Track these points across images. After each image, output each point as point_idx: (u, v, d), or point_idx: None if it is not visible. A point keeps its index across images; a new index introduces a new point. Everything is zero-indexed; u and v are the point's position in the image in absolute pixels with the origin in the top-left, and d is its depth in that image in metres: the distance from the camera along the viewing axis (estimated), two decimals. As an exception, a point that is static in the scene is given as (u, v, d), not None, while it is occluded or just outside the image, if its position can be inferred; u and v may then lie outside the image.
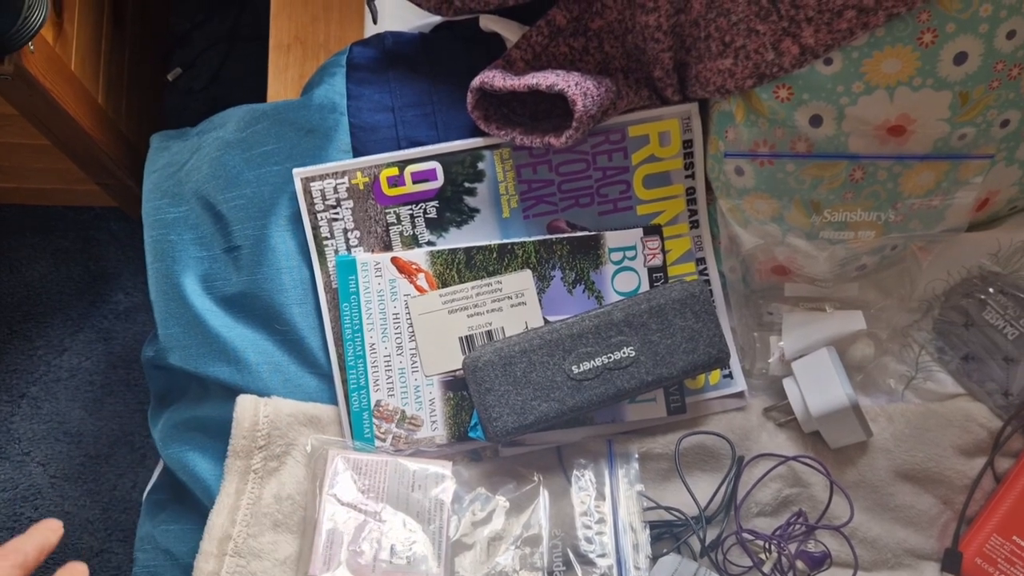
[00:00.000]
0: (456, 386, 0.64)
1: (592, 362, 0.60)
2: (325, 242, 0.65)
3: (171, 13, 1.18)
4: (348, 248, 0.65)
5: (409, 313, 0.63)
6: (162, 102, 1.16)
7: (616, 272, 0.65)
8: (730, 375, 0.67)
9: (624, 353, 0.60)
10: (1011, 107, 0.60)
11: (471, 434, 0.63)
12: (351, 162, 0.65)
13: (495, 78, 0.61)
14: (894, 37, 0.56)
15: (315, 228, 0.65)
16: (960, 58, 0.57)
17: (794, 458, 0.66)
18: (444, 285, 0.64)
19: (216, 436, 0.64)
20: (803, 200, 0.63)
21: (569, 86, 0.58)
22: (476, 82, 0.62)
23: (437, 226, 0.66)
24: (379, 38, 0.69)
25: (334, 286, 0.65)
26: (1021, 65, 0.58)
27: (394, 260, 0.64)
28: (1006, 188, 0.67)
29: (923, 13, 0.56)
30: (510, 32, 0.66)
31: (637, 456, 0.64)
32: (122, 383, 1.09)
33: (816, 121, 0.60)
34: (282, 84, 0.85)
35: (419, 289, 0.63)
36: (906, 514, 0.69)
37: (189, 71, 1.15)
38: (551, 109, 0.62)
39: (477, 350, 0.61)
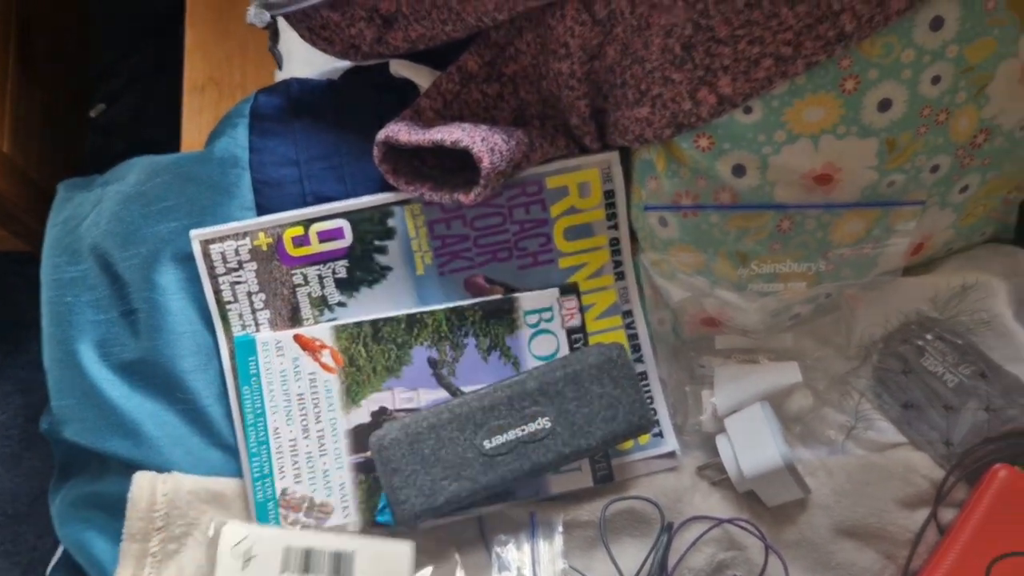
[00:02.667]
0: (368, 468, 0.60)
1: (505, 436, 0.57)
2: (228, 306, 0.61)
3: (91, 47, 1.13)
4: (253, 311, 0.61)
5: (316, 395, 0.59)
6: (85, 140, 1.11)
7: (533, 336, 0.62)
8: (660, 434, 0.64)
9: (539, 425, 0.57)
10: (940, 152, 0.58)
11: (379, 519, 0.59)
12: (252, 222, 0.61)
13: (400, 132, 0.58)
14: (815, 85, 0.54)
15: (216, 292, 0.61)
16: (884, 105, 0.55)
17: (728, 521, 0.62)
18: (351, 361, 0.60)
19: (116, 515, 0.60)
20: (729, 252, 0.60)
21: (475, 142, 0.55)
22: (381, 136, 0.59)
23: (347, 286, 0.62)
24: (285, 85, 0.65)
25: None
26: (947, 110, 0.56)
27: (297, 338, 0.60)
28: (941, 232, 0.65)
29: (844, 60, 0.53)
30: (421, 78, 0.63)
31: (561, 529, 0.60)
32: (41, 438, 1.03)
33: (739, 171, 0.57)
34: (196, 128, 0.81)
35: (324, 367, 0.59)
36: (848, 572, 0.66)
37: (114, 106, 1.11)
38: (463, 161, 0.59)
39: (384, 428, 0.57)
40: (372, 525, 0.60)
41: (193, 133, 0.80)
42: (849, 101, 0.54)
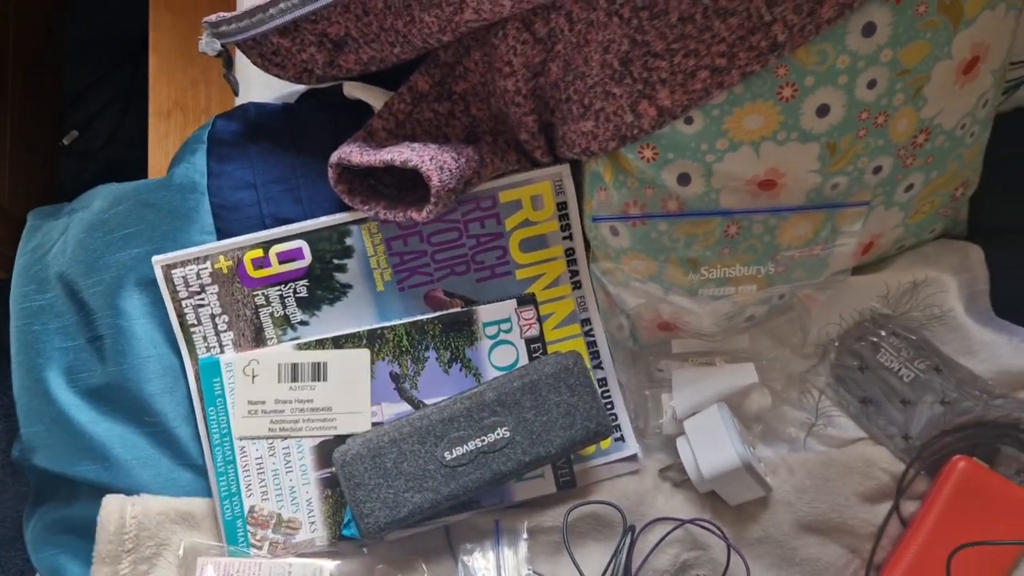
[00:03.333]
0: (334, 483, 0.61)
1: (465, 447, 0.58)
2: (192, 329, 0.63)
3: (62, 74, 1.14)
4: (217, 333, 0.63)
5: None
6: (58, 167, 1.12)
7: (493, 347, 0.63)
8: (622, 438, 0.66)
9: (498, 435, 0.58)
10: (882, 154, 0.59)
11: (344, 532, 0.60)
12: (211, 246, 0.62)
13: (352, 153, 0.59)
14: (753, 94, 0.55)
15: (180, 315, 0.62)
16: (823, 110, 0.56)
17: (689, 521, 0.64)
18: (315, 377, 0.62)
19: (88, 538, 0.61)
20: (679, 258, 0.61)
21: (423, 161, 0.56)
22: (334, 158, 0.60)
23: (309, 305, 0.63)
24: (242, 110, 0.67)
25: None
26: (886, 113, 0.57)
27: (262, 352, 0.61)
28: (889, 231, 0.66)
29: (780, 68, 0.54)
30: (374, 99, 0.64)
31: (526, 535, 0.62)
32: (26, 463, 1.04)
33: (684, 179, 0.58)
34: (163, 152, 0.82)
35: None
36: (812, 567, 0.67)
37: (86, 132, 1.12)
38: (416, 179, 0.60)
39: (346, 443, 0.58)
40: (339, 539, 0.61)
41: (160, 158, 0.82)
42: (787, 108, 0.55)
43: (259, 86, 0.70)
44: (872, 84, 0.56)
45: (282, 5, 0.57)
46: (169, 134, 0.82)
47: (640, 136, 0.57)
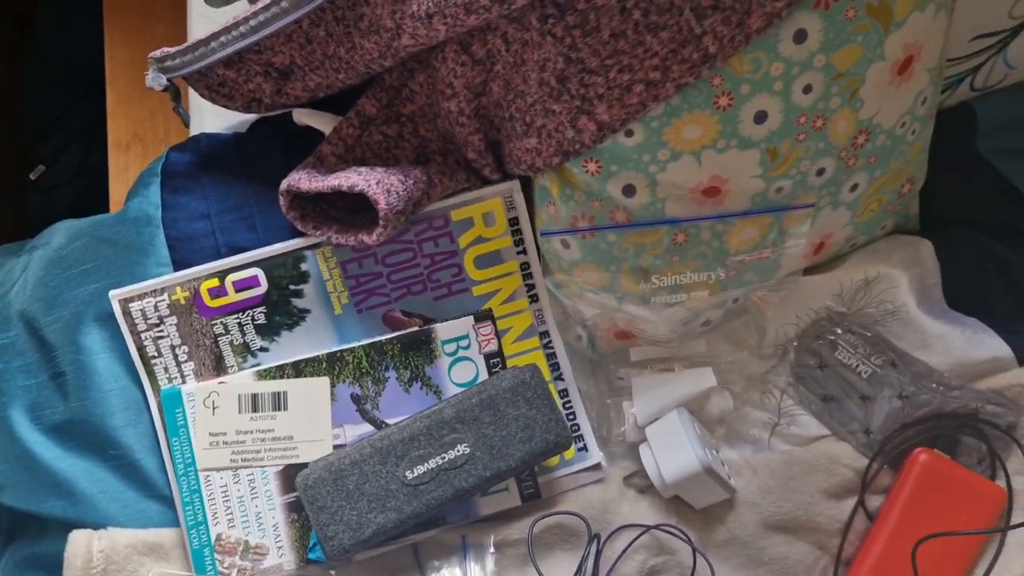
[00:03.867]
0: (300, 507, 0.62)
1: (426, 465, 0.59)
2: (153, 361, 0.63)
3: (27, 109, 1.15)
4: (178, 364, 0.63)
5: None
6: (26, 203, 1.13)
7: (452, 364, 0.64)
8: (585, 448, 0.66)
9: (459, 451, 0.59)
10: (823, 156, 0.60)
11: (310, 556, 0.61)
12: (168, 278, 0.62)
13: (301, 180, 0.60)
14: (690, 104, 0.56)
15: (140, 348, 0.63)
16: (760, 117, 0.57)
17: (655, 527, 0.64)
18: (277, 403, 0.63)
19: (58, 574, 0.61)
20: (630, 268, 0.62)
21: (370, 185, 0.57)
22: (284, 185, 0.61)
23: (268, 332, 0.64)
24: (194, 141, 0.67)
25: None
26: (823, 116, 0.58)
27: (221, 385, 0.62)
28: (839, 230, 0.67)
29: (715, 78, 0.55)
30: (323, 124, 0.65)
31: (492, 549, 0.62)
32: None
33: (629, 191, 0.59)
34: (123, 185, 0.83)
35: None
36: (781, 566, 0.68)
37: (53, 167, 1.12)
38: (367, 202, 0.61)
39: (308, 467, 0.59)
40: (306, 563, 0.61)
41: (120, 190, 0.83)
42: (725, 117, 0.56)
43: (211, 116, 0.70)
44: (808, 89, 0.57)
45: (223, 38, 0.57)
46: (129, 167, 0.83)
47: (582, 151, 0.58)
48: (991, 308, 0.70)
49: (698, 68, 0.54)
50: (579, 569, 0.62)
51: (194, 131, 0.70)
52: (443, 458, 0.59)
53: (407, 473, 0.58)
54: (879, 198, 0.67)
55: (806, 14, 0.54)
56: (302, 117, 0.65)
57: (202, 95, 0.62)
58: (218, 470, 0.62)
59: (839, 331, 0.69)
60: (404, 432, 0.59)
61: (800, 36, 0.55)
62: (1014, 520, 0.67)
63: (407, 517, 0.58)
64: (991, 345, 0.68)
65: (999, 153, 0.75)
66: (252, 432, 0.62)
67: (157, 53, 0.60)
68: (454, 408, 0.60)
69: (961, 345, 0.68)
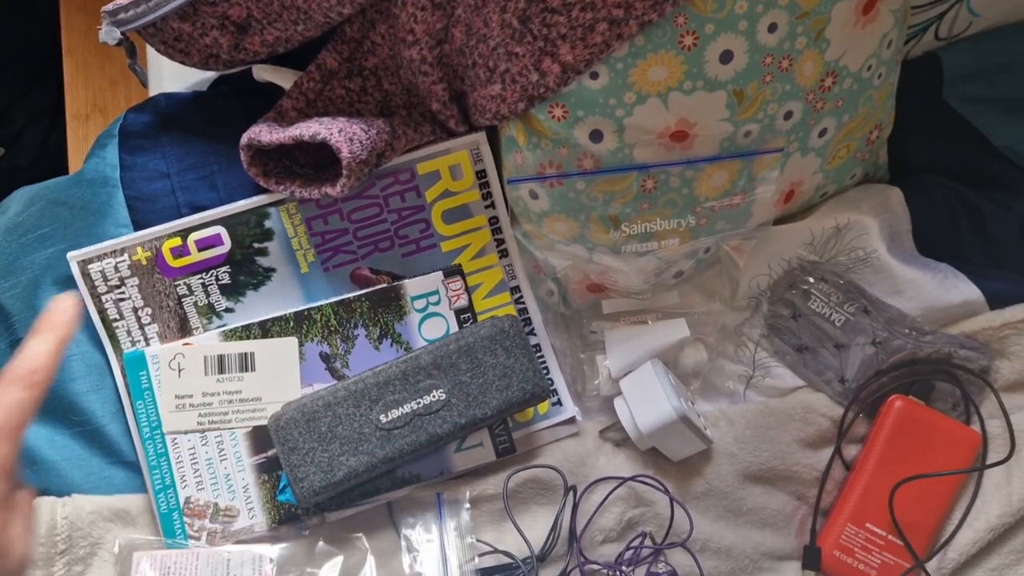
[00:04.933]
0: (270, 467, 0.60)
1: (401, 409, 0.58)
2: (115, 324, 0.61)
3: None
4: (141, 326, 0.62)
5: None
6: (-13, 184, 1.10)
7: (422, 320, 0.63)
8: (559, 402, 0.65)
9: (434, 397, 0.58)
10: (790, 99, 0.60)
11: (280, 497, 0.60)
12: (128, 238, 0.61)
13: (262, 133, 0.59)
14: (655, 44, 0.55)
15: (101, 311, 0.61)
16: (726, 57, 0.56)
17: (631, 478, 0.64)
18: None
19: (23, 545, 0.60)
20: (600, 216, 0.62)
21: (332, 134, 0.56)
22: (244, 139, 0.59)
23: (233, 292, 0.62)
24: (153, 101, 0.66)
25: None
26: (790, 57, 0.58)
27: (186, 347, 0.60)
28: (809, 177, 0.67)
29: (679, 17, 0.55)
30: (284, 80, 0.63)
31: (468, 504, 0.61)
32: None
33: (596, 136, 0.59)
34: (84, 157, 0.81)
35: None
36: (759, 516, 0.67)
37: (14, 148, 1.10)
38: (331, 156, 0.60)
39: (282, 408, 0.58)
40: (284, 521, 0.60)
41: (80, 163, 0.80)
42: (690, 57, 0.56)
43: (171, 77, 0.69)
44: (773, 28, 0.56)
45: (176, -13, 0.56)
46: (89, 137, 0.81)
47: (547, 95, 0.57)
48: (962, 253, 0.71)
49: (662, 5, 0.53)
50: (555, 522, 0.61)
51: (153, 93, 0.69)
52: (418, 403, 0.58)
53: (381, 417, 0.57)
54: (848, 144, 0.67)
55: (769, -49, 0.54)
56: (262, 73, 0.64)
57: (157, 50, 0.61)
58: (185, 433, 0.60)
59: (811, 280, 0.69)
60: (379, 376, 0.58)
61: (764, -27, 0.54)
62: (989, 462, 0.67)
63: (379, 461, 0.57)
64: (962, 289, 0.68)
65: (965, 101, 0.75)
66: (219, 394, 0.61)
67: (110, 6, 0.58)
68: (431, 355, 0.59)
69: (933, 290, 0.68)
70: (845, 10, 0.58)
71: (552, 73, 0.55)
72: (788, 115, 0.61)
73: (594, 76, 0.56)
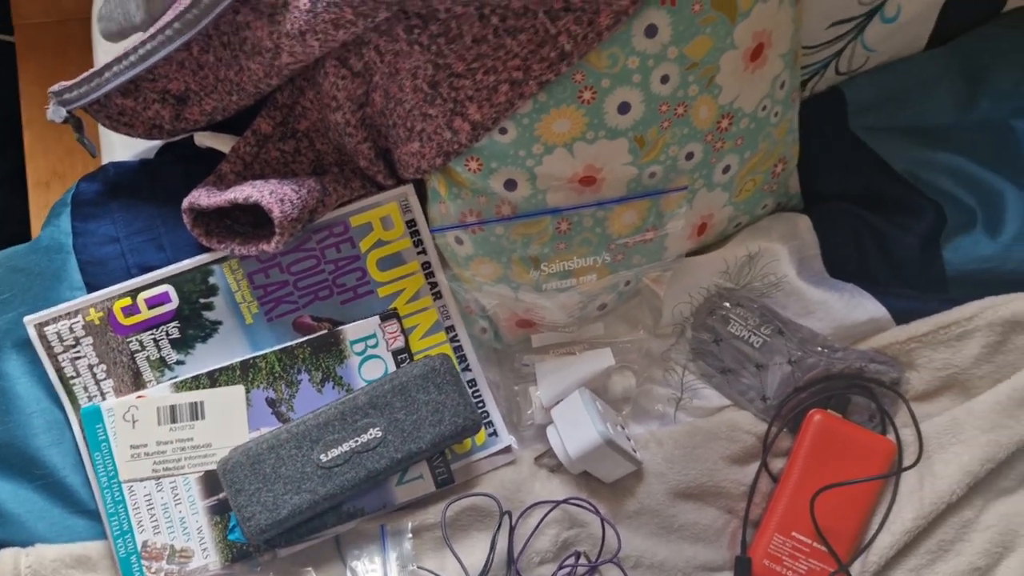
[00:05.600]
0: (221, 509, 0.64)
1: (340, 448, 0.62)
2: (72, 381, 0.66)
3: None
4: (96, 382, 0.66)
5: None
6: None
7: (362, 362, 0.67)
8: (495, 433, 0.70)
9: (371, 435, 0.62)
10: (690, 140, 0.65)
11: (231, 536, 0.64)
12: (81, 300, 0.65)
13: (200, 197, 0.63)
14: (556, 100, 0.60)
15: (59, 370, 0.65)
16: (624, 108, 0.61)
17: (563, 501, 0.68)
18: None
19: (-8, 596, 0.63)
20: (521, 258, 0.66)
21: (263, 196, 0.61)
22: (185, 203, 0.64)
23: (183, 345, 0.67)
24: (103, 170, 0.70)
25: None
26: (684, 104, 0.63)
27: (140, 399, 0.64)
28: (719, 210, 0.72)
29: (576, 74, 0.60)
30: (224, 145, 0.68)
31: (410, 534, 0.65)
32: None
33: (511, 185, 0.63)
34: (45, 221, 0.85)
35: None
36: (691, 531, 0.71)
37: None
38: (267, 215, 0.65)
39: (229, 453, 0.62)
40: (236, 559, 0.64)
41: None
42: (590, 110, 0.61)
43: (121, 146, 0.74)
44: (665, 79, 0.61)
45: (116, 68, 0.61)
46: (50, 203, 0.84)
47: (461, 150, 0.62)
48: (868, 274, 0.75)
49: (557, 66, 0.58)
50: (492, 545, 0.65)
51: (106, 160, 0.73)
52: (356, 441, 0.62)
53: (321, 456, 0.61)
54: (753, 178, 0.72)
55: (654, 10, 0.59)
56: (203, 140, 0.69)
57: (103, 124, 0.66)
58: (141, 480, 0.64)
59: (728, 305, 0.74)
60: (319, 418, 0.62)
61: (651, 31, 0.60)
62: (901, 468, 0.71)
63: (321, 498, 0.61)
64: (868, 307, 0.73)
65: (869, 131, 0.81)
66: (172, 442, 0.65)
67: (56, 86, 0.63)
68: (367, 395, 0.63)
69: (841, 309, 0.73)
70: (733, 59, 0.63)
71: (463, 131, 0.60)
72: (689, 156, 0.66)
73: (503, 131, 0.61)
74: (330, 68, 0.61)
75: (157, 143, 0.72)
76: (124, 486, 0.64)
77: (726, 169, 0.69)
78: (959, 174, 0.78)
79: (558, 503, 0.67)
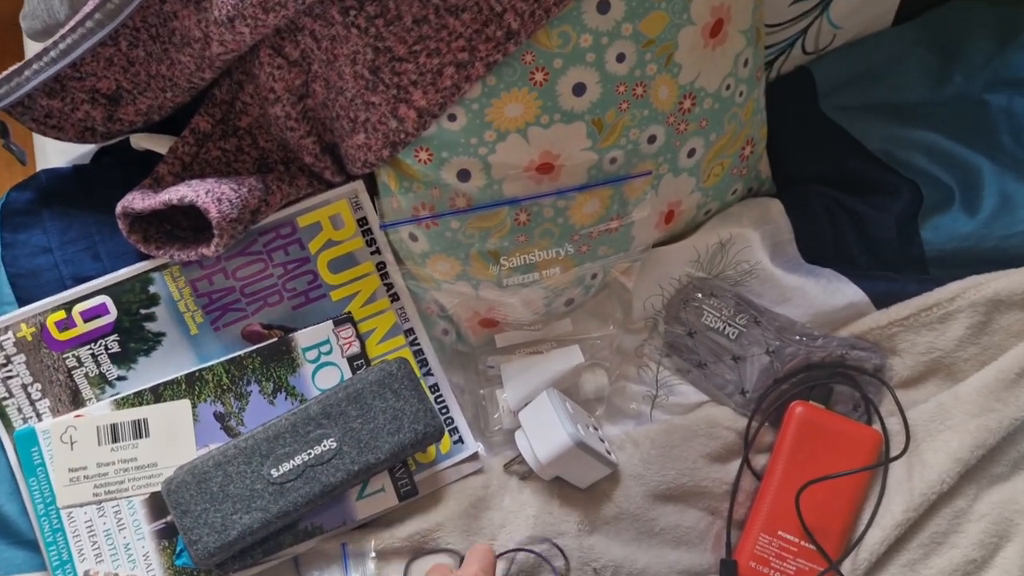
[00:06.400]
0: (170, 532, 0.60)
1: (292, 462, 0.58)
2: (4, 402, 0.61)
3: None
4: (31, 403, 0.62)
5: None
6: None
7: (316, 370, 0.63)
8: (460, 440, 0.66)
9: (325, 446, 0.58)
10: (651, 123, 0.62)
11: (177, 562, 0.59)
12: (9, 316, 0.61)
13: (135, 200, 0.60)
14: (506, 83, 0.57)
15: (-10, 391, 0.61)
16: (579, 89, 0.58)
17: (528, 550, 0.63)
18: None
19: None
20: (479, 252, 0.63)
21: (199, 196, 0.57)
22: (119, 208, 0.60)
23: (124, 359, 0.63)
24: (34, 178, 0.67)
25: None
26: (643, 83, 0.60)
27: (78, 419, 0.60)
28: (687, 197, 0.69)
29: (526, 55, 0.56)
30: (162, 146, 0.64)
31: (373, 554, 0.61)
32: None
33: (464, 176, 0.60)
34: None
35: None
36: (673, 535, 0.68)
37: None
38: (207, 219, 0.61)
39: (174, 472, 0.58)
40: (176, 573, 0.60)
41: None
42: (543, 92, 0.58)
43: (55, 152, 0.70)
44: (621, 58, 0.58)
45: (36, 65, 0.57)
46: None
47: (409, 140, 0.58)
48: (845, 258, 0.73)
49: (504, 45, 0.55)
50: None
51: (39, 168, 0.69)
52: (309, 454, 0.58)
53: (272, 471, 0.57)
54: (721, 162, 0.69)
55: (606, -16, 0.56)
56: (140, 141, 0.65)
57: (30, 128, 0.62)
58: (81, 505, 0.60)
59: (701, 296, 0.71)
60: (269, 431, 0.58)
61: (604, 7, 0.57)
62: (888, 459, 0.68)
63: (273, 517, 0.57)
64: (846, 292, 0.70)
65: (841, 110, 0.78)
66: (114, 463, 0.61)
67: (-25, 90, 0.60)
68: (320, 404, 0.59)
69: (818, 295, 0.70)
70: (691, 34, 0.60)
71: (409, 119, 0.57)
72: (652, 139, 0.63)
73: (452, 118, 0.58)
74: (265, 58, 0.57)
75: (92, 148, 0.69)
76: (63, 513, 0.60)
77: (691, 153, 0.66)
78: (935, 151, 0.76)
79: (525, 550, 0.63)
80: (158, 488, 0.60)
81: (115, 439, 0.61)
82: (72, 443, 0.60)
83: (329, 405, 0.60)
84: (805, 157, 0.77)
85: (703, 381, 0.71)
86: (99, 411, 0.61)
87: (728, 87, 0.65)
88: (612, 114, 0.60)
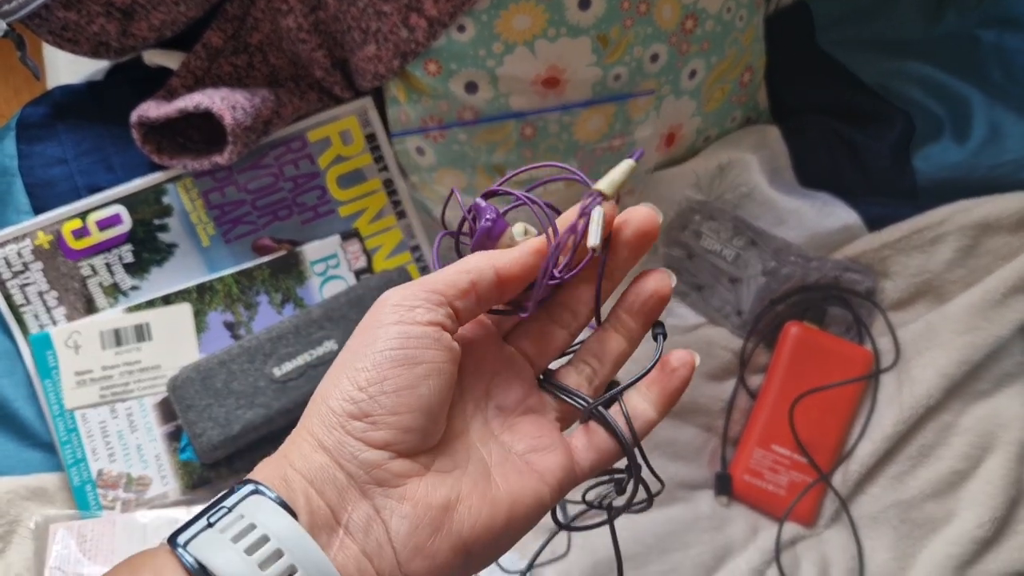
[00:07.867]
0: (180, 435, 0.62)
1: (294, 362, 0.60)
2: (22, 309, 0.63)
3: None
4: (47, 310, 0.63)
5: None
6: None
7: (323, 283, 0.65)
8: (465, 352, 0.68)
9: (326, 348, 0.60)
10: (654, 41, 0.63)
11: (181, 456, 0.61)
12: (27, 224, 0.62)
13: (149, 109, 0.61)
14: (515, -6, 0.59)
15: (7, 297, 0.63)
16: (585, 3, 0.60)
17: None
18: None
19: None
20: (485, 166, 0.64)
21: (214, 102, 0.58)
22: (134, 117, 0.61)
23: (137, 269, 0.64)
24: (49, 94, 0.68)
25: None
26: (647, 1, 0.61)
27: (82, 323, 0.62)
28: (687, 120, 0.70)
29: (535, -33, 0.58)
30: (174, 62, 0.65)
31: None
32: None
33: (472, 88, 0.61)
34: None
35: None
36: (671, 449, 0.70)
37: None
38: (222, 129, 0.62)
39: (179, 370, 0.60)
40: (197, 486, 0.61)
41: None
42: (551, 5, 0.59)
43: (67, 70, 0.71)
44: (626, -27, 0.60)
45: (53, -26, 0.58)
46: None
47: (419, 50, 0.60)
48: (841, 184, 0.74)
49: (514, -45, 0.56)
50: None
51: (51, 86, 0.70)
52: (311, 355, 0.60)
53: (275, 370, 0.59)
54: (721, 87, 0.70)
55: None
56: (152, 57, 0.66)
57: (46, 40, 0.63)
58: (90, 407, 0.61)
59: (700, 218, 0.72)
60: (272, 333, 0.60)
61: (610, -79, 0.58)
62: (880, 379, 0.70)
63: (275, 412, 0.59)
64: (841, 215, 0.72)
65: (837, 44, 0.80)
66: (119, 366, 0.62)
67: (-7, -1, 0.60)
68: (322, 308, 0.61)
69: (813, 217, 0.72)
70: (695, -47, 0.62)
71: (420, 28, 0.58)
72: (655, 58, 0.64)
73: (461, 29, 0.59)
74: (279, -32, 0.59)
75: (105, 65, 0.70)
76: (76, 414, 0.61)
77: (692, 74, 0.67)
78: (927, 83, 0.78)
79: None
80: (163, 389, 0.62)
81: (118, 343, 0.62)
82: (77, 347, 0.62)
83: (331, 309, 0.61)
84: (802, 89, 0.78)
85: (701, 303, 0.73)
86: (107, 317, 0.63)
87: (729, 10, 0.66)
88: (616, 30, 0.61)
